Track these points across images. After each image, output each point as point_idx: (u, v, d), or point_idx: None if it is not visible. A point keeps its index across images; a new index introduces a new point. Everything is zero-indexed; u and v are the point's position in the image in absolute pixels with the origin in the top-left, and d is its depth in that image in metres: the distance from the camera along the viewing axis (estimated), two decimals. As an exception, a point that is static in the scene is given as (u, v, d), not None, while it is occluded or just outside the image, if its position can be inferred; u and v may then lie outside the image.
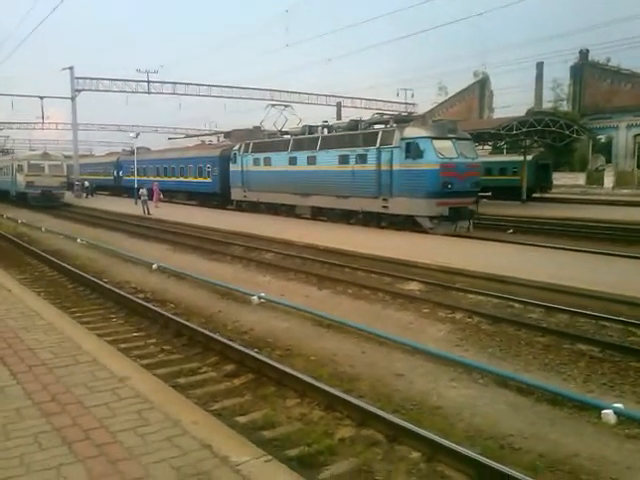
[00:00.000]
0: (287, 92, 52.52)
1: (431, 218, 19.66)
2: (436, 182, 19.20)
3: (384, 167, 20.70)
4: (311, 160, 24.78)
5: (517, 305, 10.48)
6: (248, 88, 51.32)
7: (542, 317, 9.81)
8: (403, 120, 23.05)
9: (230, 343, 8.05)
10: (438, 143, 19.57)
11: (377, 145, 21.08)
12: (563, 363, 7.72)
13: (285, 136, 28.57)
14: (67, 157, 48.35)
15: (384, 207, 21.08)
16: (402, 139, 20.12)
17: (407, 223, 20.41)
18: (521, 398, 6.57)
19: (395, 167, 20.29)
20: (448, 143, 19.84)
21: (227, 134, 45.34)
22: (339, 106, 57.21)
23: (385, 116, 25.57)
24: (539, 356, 8.01)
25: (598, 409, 6.05)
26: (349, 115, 45.66)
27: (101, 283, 12.46)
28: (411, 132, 20.26)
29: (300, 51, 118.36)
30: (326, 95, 56.82)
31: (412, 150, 19.65)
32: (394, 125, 21.93)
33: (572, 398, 6.41)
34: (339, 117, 51.55)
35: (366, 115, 28.14)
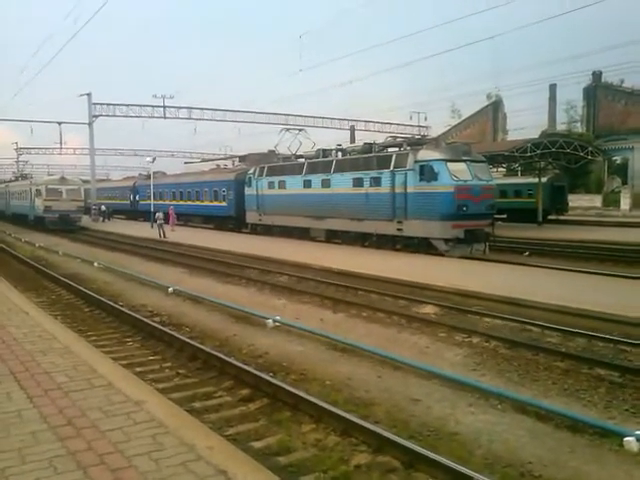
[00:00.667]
0: (301, 116, 53.04)
1: (446, 241, 19.57)
2: (451, 204, 19.17)
3: (398, 190, 20.71)
4: (325, 183, 24.90)
5: (534, 329, 10.35)
6: (263, 112, 51.93)
7: (560, 341, 9.67)
8: (417, 143, 23.13)
9: (245, 367, 8.02)
10: (452, 165, 19.57)
11: (391, 168, 21.12)
12: (583, 388, 7.58)
13: (299, 159, 28.80)
14: (85, 181, 49.01)
15: (399, 230, 21.05)
16: (416, 162, 20.15)
17: (422, 246, 20.34)
18: (540, 424, 6.45)
19: (409, 190, 20.29)
20: (462, 165, 19.83)
21: (242, 158, 45.76)
22: (352, 129, 57.57)
23: (398, 139, 25.69)
24: (558, 381, 7.88)
25: (620, 436, 5.91)
26: (363, 138, 45.95)
27: (117, 307, 12.53)
28: (425, 155, 20.30)
29: (314, 75, 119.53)
30: (340, 119, 57.32)
31: (426, 173, 19.65)
32: (408, 148, 22.01)
33: (593, 425, 6.28)
34: (352, 140, 51.84)
35: (380, 138, 28.34)
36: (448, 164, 19.51)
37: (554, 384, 7.78)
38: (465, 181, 19.44)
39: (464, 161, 19.99)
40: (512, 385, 7.77)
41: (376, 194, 21.82)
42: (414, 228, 20.41)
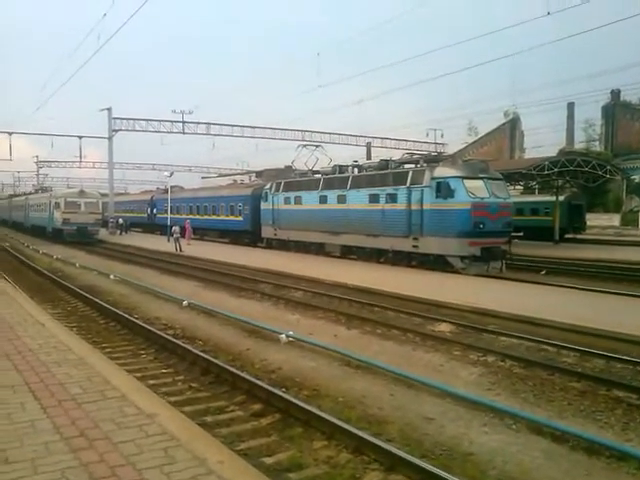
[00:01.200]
0: (318, 132, 53.29)
1: (462, 258, 19.48)
2: (467, 222, 19.10)
3: (414, 206, 20.68)
4: (341, 199, 24.95)
5: (550, 349, 10.22)
6: (280, 129, 52.27)
7: (577, 362, 9.54)
8: (433, 160, 23.14)
9: (257, 382, 8.00)
10: (469, 183, 19.53)
11: (407, 184, 21.11)
12: (599, 410, 7.46)
13: (316, 175, 28.94)
14: (103, 195, 49.59)
15: (414, 246, 20.98)
16: (433, 178, 20.13)
17: (438, 263, 20.24)
18: (555, 445, 6.35)
19: (426, 206, 20.26)
20: (480, 183, 19.77)
21: (259, 173, 46.09)
22: (369, 146, 57.72)
23: (415, 156, 25.71)
24: (574, 402, 7.76)
25: (638, 459, 5.81)
26: (379, 155, 46.03)
27: (132, 319, 12.59)
28: (442, 172, 20.28)
29: (331, 92, 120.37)
30: (356, 135, 57.45)
31: (443, 190, 19.62)
32: (424, 165, 22.00)
33: (610, 447, 6.16)
34: (369, 157, 51.96)
35: (396, 155, 28.43)
36: (465, 181, 19.49)
37: (570, 405, 7.67)
38: (482, 198, 19.37)
39: (481, 178, 19.94)
40: (527, 405, 7.66)
41: (392, 210, 21.81)
42: (430, 245, 20.34)
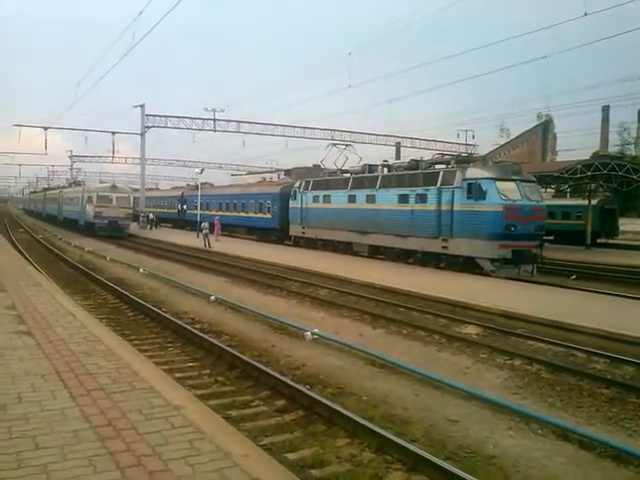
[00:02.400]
0: (347, 132, 53.18)
1: (493, 260, 19.22)
2: (499, 224, 18.83)
3: (445, 207, 20.52)
4: (370, 198, 24.87)
5: (579, 354, 10.07)
6: (309, 127, 52.29)
7: (606, 368, 9.38)
8: (464, 161, 22.85)
9: (282, 378, 8.05)
10: (501, 184, 19.24)
11: (438, 185, 20.93)
12: (628, 418, 7.32)
13: (345, 174, 28.90)
14: (134, 190, 50.28)
15: (444, 247, 20.78)
16: (464, 179, 19.94)
17: (467, 265, 20.05)
18: (582, 452, 6.25)
19: (456, 207, 20.09)
20: (512, 185, 19.45)
21: (287, 172, 46.27)
22: (398, 146, 57.42)
23: (446, 156, 25.46)
24: (602, 409, 7.64)
25: (667, 469, 5.69)
26: (408, 155, 45.79)
27: (160, 312, 12.76)
28: (473, 173, 20.07)
29: (362, 92, 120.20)
30: (385, 135, 57.18)
31: (474, 191, 19.43)
32: (455, 165, 21.78)
33: (639, 456, 6.04)
34: (398, 157, 51.70)
35: (426, 155, 28.20)
36: (497, 183, 19.22)
37: (598, 411, 7.55)
38: (514, 201, 19.06)
39: (514, 180, 19.60)
40: (554, 410, 7.56)
41: (422, 211, 21.64)
42: (460, 246, 20.14)
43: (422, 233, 21.57)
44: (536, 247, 19.80)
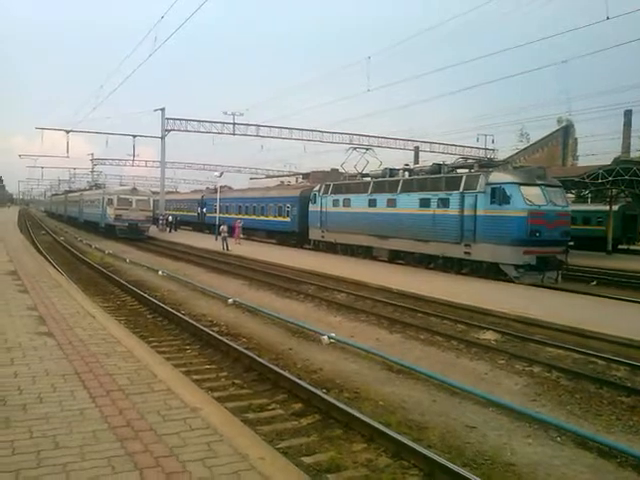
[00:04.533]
0: (365, 136, 53.14)
1: (517, 267, 18.87)
2: (523, 230, 18.50)
3: (467, 212, 20.24)
4: (391, 203, 24.61)
5: (599, 361, 9.94)
6: (328, 131, 52.35)
7: (627, 376, 9.25)
8: (487, 165, 22.50)
9: (299, 382, 8.06)
10: (526, 189, 18.90)
11: (460, 189, 20.64)
12: (650, 427, 7.22)
13: (365, 178, 28.67)
14: (154, 193, 50.71)
15: (466, 253, 20.46)
16: (488, 184, 19.62)
17: (491, 271, 19.73)
18: (602, 461, 6.17)
19: (479, 212, 19.78)
20: (537, 190, 19.12)
21: (305, 175, 46.32)
22: (417, 150, 57.24)
23: (469, 160, 25.18)
24: (622, 417, 7.54)
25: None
26: (427, 159, 45.68)
27: (179, 315, 12.85)
28: (497, 177, 19.73)
29: (380, 96, 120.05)
30: (404, 139, 57.04)
31: (498, 196, 19.11)
32: (478, 170, 21.41)
33: (660, 466, 5.95)
34: (417, 161, 51.52)
35: (445, 160, 28.06)
36: (521, 187, 18.88)
37: (618, 420, 7.45)
38: (539, 206, 18.72)
39: (538, 185, 19.27)
40: (573, 418, 7.48)
41: (443, 216, 21.37)
42: (483, 252, 19.82)
43: (444, 238, 21.31)
44: (561, 253, 19.46)
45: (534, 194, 18.98)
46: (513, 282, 18.78)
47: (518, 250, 18.66)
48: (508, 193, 18.92)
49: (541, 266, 18.79)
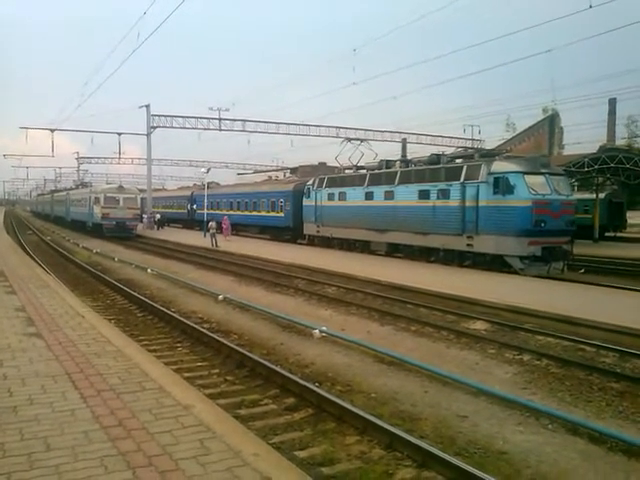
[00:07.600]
0: (352, 129, 53.00)
1: (522, 258, 18.52)
2: (528, 220, 18.14)
3: (469, 203, 19.81)
4: (388, 195, 24.12)
5: (588, 348, 10.03)
6: (314, 125, 52.20)
7: (616, 362, 9.34)
8: (488, 154, 21.99)
9: (291, 376, 8.07)
10: (530, 178, 18.48)
11: (461, 180, 20.18)
12: (639, 412, 7.29)
13: (361, 171, 28.17)
14: (141, 190, 50.40)
15: (468, 245, 20.04)
16: (490, 173, 19.19)
17: (494, 263, 19.34)
18: (593, 446, 6.23)
19: (481, 203, 19.37)
20: (541, 179, 18.74)
21: (293, 170, 46.21)
22: (404, 142, 57.24)
23: (469, 150, 24.91)
24: (612, 403, 7.61)
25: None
26: (414, 151, 45.72)
27: (169, 312, 12.81)
28: (500, 166, 19.32)
29: (366, 88, 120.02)
30: (391, 132, 56.97)
31: (501, 185, 18.69)
32: (479, 159, 20.93)
33: (650, 450, 6.01)
34: (404, 153, 51.51)
35: (431, 151, 27.95)
36: (525, 177, 18.45)
37: (608, 405, 7.52)
38: (544, 195, 18.41)
39: (543, 174, 18.89)
40: (564, 405, 7.54)
41: (444, 207, 20.90)
42: (486, 244, 19.39)
43: (444, 230, 20.84)
44: (567, 243, 19.19)
45: (538, 183, 18.60)
46: (517, 274, 18.43)
47: (523, 241, 18.31)
48: (512, 182, 18.47)
49: (547, 257, 18.50)
